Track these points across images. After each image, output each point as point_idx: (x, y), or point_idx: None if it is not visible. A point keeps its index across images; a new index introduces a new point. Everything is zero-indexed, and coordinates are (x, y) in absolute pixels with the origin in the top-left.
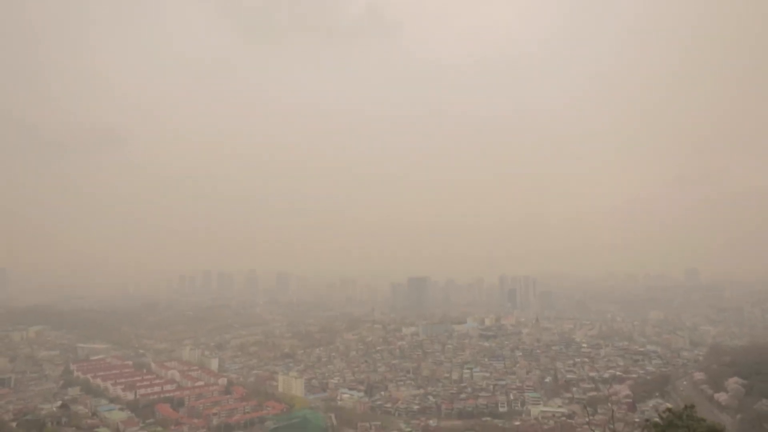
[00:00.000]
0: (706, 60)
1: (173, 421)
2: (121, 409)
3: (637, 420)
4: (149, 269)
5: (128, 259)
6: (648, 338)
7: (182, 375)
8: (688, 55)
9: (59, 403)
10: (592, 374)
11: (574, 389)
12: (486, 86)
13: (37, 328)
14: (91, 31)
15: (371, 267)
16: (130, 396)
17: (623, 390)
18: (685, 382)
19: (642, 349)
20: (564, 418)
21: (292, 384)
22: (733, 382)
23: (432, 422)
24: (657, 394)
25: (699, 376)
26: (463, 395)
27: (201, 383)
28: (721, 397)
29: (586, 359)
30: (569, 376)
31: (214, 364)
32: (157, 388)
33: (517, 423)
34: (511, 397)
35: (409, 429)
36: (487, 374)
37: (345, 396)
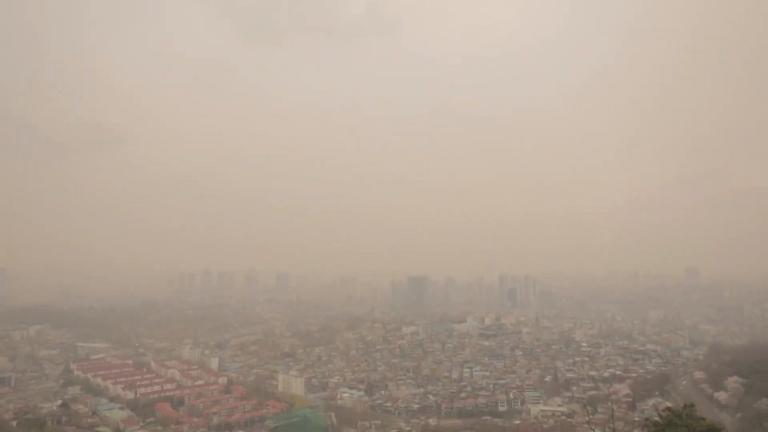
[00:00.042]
0: (706, 60)
1: (173, 420)
2: (121, 408)
3: (636, 419)
4: (149, 268)
5: (128, 258)
6: (648, 337)
7: (182, 374)
8: (688, 55)
9: (59, 402)
10: (592, 373)
11: (574, 388)
12: (486, 86)
13: (37, 327)
14: (91, 31)
15: (371, 266)
16: (130, 395)
17: (623, 389)
18: (684, 381)
19: (642, 348)
20: (564, 417)
21: (292, 383)
22: (733, 381)
23: (432, 421)
24: (657, 393)
25: (699, 375)
26: (463, 394)
27: (201, 382)
28: (721, 396)
29: (586, 358)
30: (569, 375)
31: (214, 363)
32: (157, 387)
33: (517, 422)
34: (511, 396)
35: (409, 428)
36: (487, 373)
37: (345, 395)
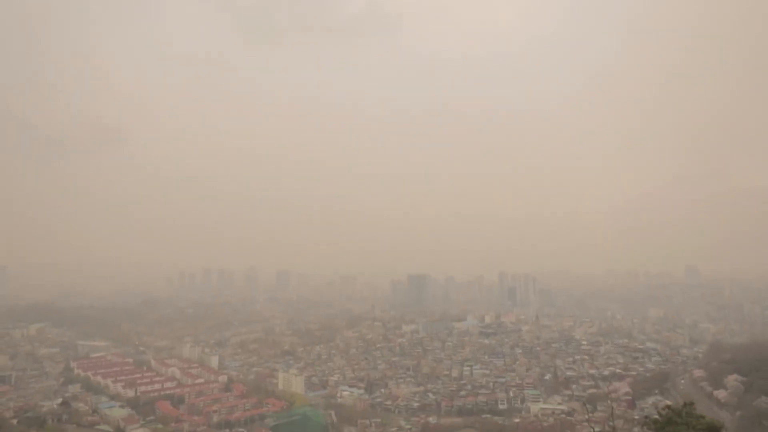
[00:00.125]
0: (706, 59)
1: (173, 418)
2: (122, 407)
3: (636, 417)
4: (149, 266)
5: (128, 256)
6: (648, 336)
7: (182, 372)
8: (688, 55)
9: (60, 400)
10: (591, 371)
11: (574, 386)
12: (486, 85)
13: (37, 325)
14: (91, 30)
15: (371, 264)
16: (130, 393)
17: (623, 387)
18: (684, 380)
19: (642, 347)
20: (564, 416)
21: (292, 381)
22: (733, 380)
23: (432, 419)
24: (656, 391)
25: (698, 373)
26: (462, 392)
27: (201, 380)
28: (721, 394)
29: (586, 357)
30: (569, 373)
31: (215, 362)
32: (157, 386)
33: (517, 420)
34: (511, 394)
35: (408, 426)
36: (487, 371)
37: (345, 393)
